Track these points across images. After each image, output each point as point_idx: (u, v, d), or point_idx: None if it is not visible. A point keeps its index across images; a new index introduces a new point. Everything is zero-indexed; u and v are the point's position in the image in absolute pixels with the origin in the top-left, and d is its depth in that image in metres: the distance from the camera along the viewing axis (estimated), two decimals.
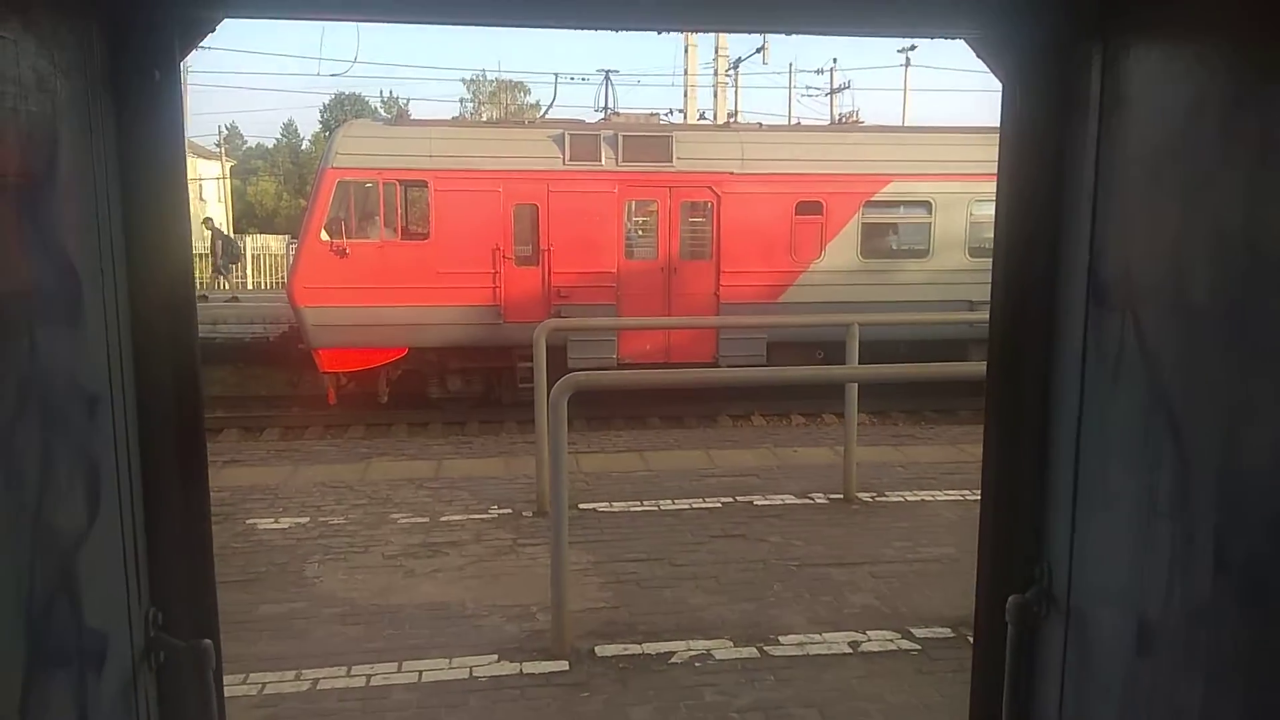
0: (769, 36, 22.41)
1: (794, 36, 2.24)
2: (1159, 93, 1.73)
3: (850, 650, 4.99)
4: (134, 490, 1.67)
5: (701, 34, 25.75)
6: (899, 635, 5.14)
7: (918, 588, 5.78)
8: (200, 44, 1.69)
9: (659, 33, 2.17)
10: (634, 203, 14.65)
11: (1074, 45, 1.92)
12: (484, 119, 30.08)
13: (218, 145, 45.29)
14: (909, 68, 33.15)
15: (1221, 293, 1.57)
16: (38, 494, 1.36)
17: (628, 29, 1.99)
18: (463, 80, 57.20)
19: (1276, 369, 1.44)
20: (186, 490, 1.75)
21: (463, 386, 14.33)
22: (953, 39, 2.10)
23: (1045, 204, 2.01)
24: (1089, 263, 1.90)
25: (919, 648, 4.98)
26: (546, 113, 18.02)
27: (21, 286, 1.34)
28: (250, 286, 29.75)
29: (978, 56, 2.08)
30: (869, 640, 5.09)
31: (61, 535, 1.44)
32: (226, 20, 1.78)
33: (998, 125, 2.09)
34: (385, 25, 1.88)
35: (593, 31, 1.96)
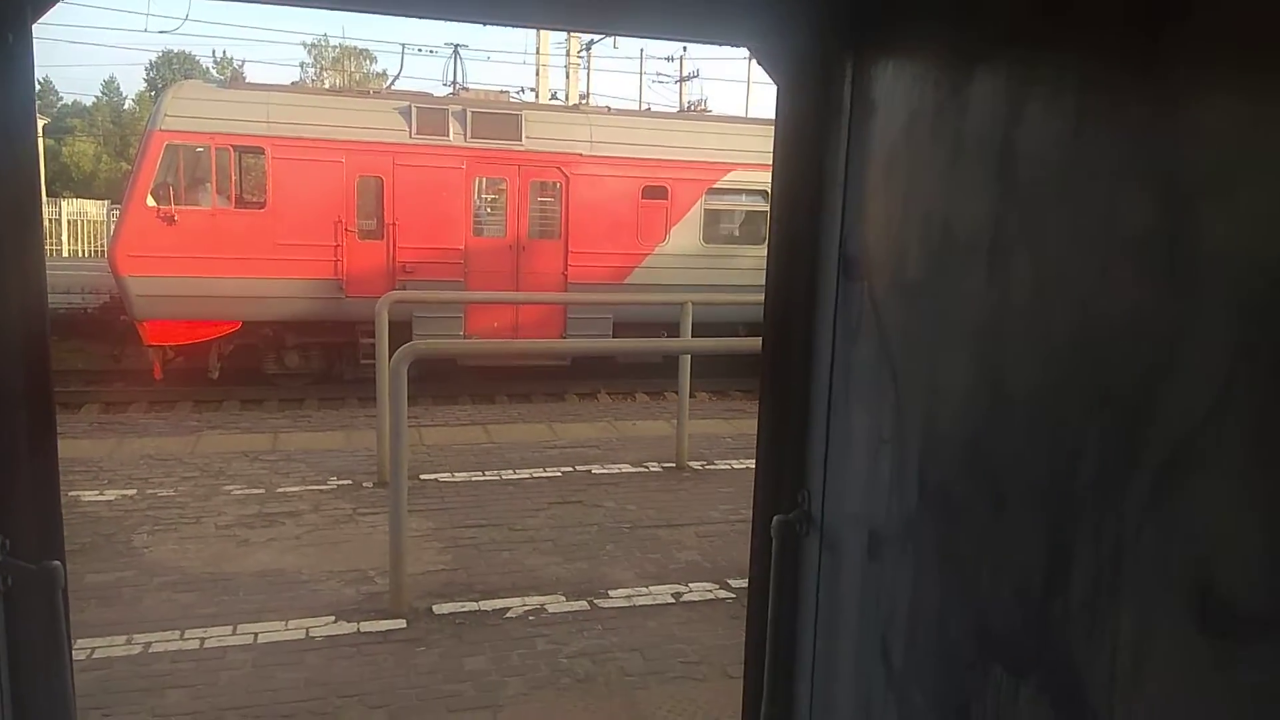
0: None
1: None
2: (890, 101, 2.13)
3: (673, 600, 5.42)
4: None
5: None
6: (717, 586, 5.63)
7: (737, 545, 6.29)
8: (52, 7, 1.78)
9: (484, 25, 2.40)
10: (483, 180, 14.65)
11: (832, 58, 2.30)
12: (326, 86, 28.95)
13: None
14: (752, 60, 34.20)
15: (925, 267, 1.98)
16: None
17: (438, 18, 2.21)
18: (304, 44, 54.61)
19: (961, 332, 1.86)
20: (32, 421, 1.86)
21: (301, 363, 13.95)
22: (737, 47, 2.46)
23: (809, 194, 2.40)
24: (840, 243, 2.30)
25: (734, 596, 5.47)
26: (393, 84, 17.66)
27: None
28: (66, 255, 27.60)
29: (759, 64, 2.44)
30: (690, 591, 5.55)
31: None
32: None
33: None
34: None
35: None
